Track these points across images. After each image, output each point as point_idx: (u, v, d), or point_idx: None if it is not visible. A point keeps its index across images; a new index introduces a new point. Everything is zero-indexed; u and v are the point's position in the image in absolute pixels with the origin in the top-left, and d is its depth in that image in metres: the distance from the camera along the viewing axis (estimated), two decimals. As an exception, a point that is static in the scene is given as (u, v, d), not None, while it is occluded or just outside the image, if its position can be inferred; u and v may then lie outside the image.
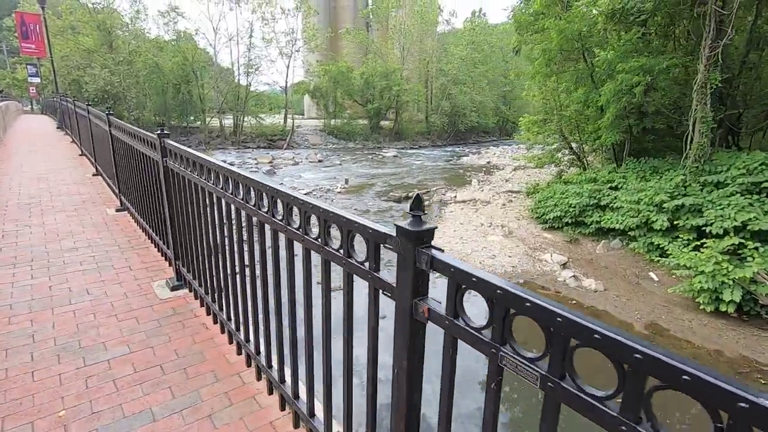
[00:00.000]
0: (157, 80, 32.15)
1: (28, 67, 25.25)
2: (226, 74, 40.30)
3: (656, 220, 9.76)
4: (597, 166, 15.58)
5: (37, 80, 25.94)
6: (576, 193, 12.45)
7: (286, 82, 41.22)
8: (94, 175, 7.50)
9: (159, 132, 2.94)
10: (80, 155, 9.66)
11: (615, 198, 11.43)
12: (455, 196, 18.48)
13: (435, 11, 46.41)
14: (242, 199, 2.03)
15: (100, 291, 3.42)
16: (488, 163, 30.35)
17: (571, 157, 16.87)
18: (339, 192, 19.57)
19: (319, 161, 29.50)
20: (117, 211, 5.44)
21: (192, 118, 36.45)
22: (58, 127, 16.72)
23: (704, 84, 9.69)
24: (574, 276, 9.71)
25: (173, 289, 3.39)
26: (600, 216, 11.64)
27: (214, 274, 2.69)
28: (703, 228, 8.92)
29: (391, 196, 18.53)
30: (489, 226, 13.74)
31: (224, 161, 2.76)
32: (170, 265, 3.73)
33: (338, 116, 41.34)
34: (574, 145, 16.18)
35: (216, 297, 2.73)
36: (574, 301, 8.69)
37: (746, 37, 11.69)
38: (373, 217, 15.55)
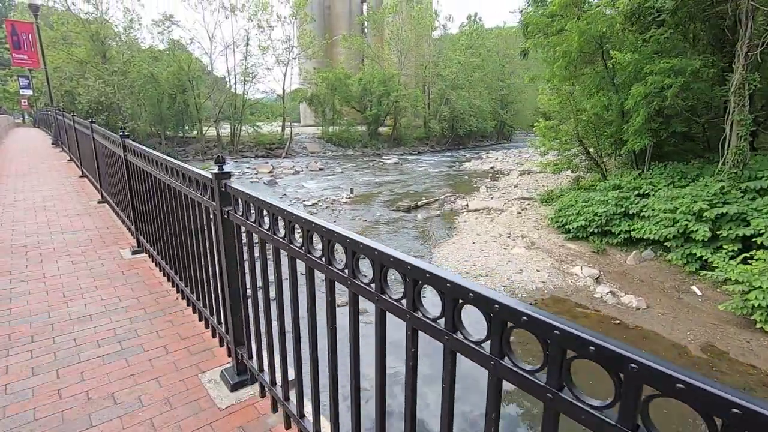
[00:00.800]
0: (153, 90, 31.41)
1: (20, 79, 24.34)
2: (223, 83, 39.64)
3: (696, 229, 9.22)
4: (614, 172, 15.08)
5: (29, 92, 25.05)
6: (601, 201, 11.91)
7: (284, 89, 40.64)
8: (99, 202, 6.71)
9: (216, 171, 2.05)
10: (81, 177, 8.89)
11: (645, 206, 10.91)
12: (467, 205, 17.93)
13: (431, 16, 46.14)
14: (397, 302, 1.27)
15: (132, 396, 2.36)
16: (492, 168, 29.91)
17: (588, 162, 16.38)
18: (345, 202, 18.97)
19: (320, 170, 28.89)
20: (133, 253, 4.50)
21: (187, 127, 35.71)
22: (53, 143, 15.97)
23: (741, 85, 9.23)
24: (611, 292, 9.14)
25: (234, 387, 2.39)
26: (629, 225, 11.10)
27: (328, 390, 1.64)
28: (752, 238, 8.41)
29: (399, 205, 17.96)
30: (509, 237, 13.18)
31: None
32: (221, 344, 2.81)
33: (336, 123, 40.78)
34: (591, 150, 15.69)
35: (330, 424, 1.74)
36: (618, 321, 8.12)
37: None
38: (384, 228, 14.95)
